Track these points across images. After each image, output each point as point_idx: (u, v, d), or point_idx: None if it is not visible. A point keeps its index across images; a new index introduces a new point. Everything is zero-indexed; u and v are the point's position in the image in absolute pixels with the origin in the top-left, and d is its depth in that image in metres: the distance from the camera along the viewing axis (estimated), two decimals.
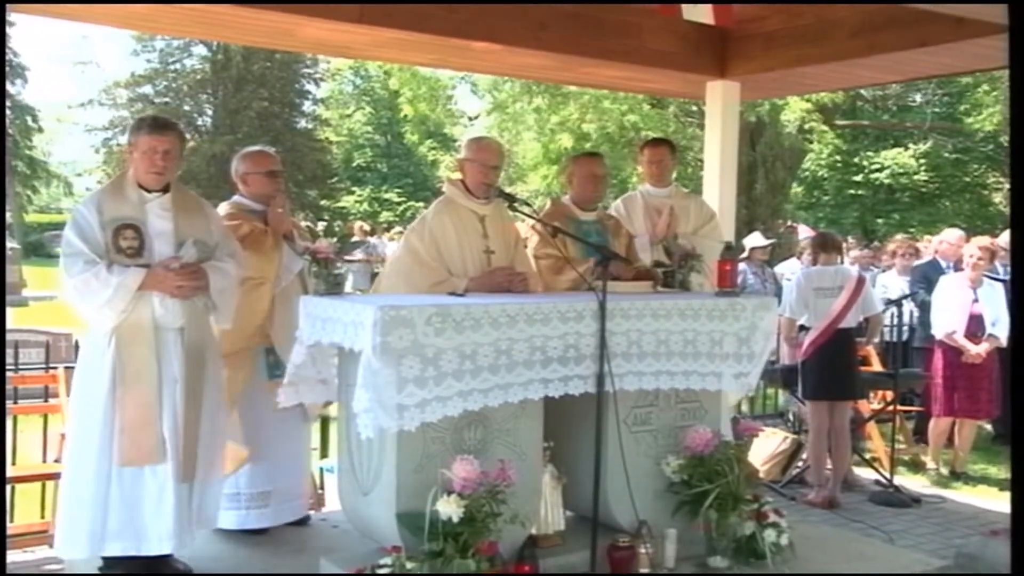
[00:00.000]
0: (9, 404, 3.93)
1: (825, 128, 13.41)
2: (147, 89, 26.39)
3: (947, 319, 5.62)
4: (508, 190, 4.06)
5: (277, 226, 3.54)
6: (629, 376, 3.20)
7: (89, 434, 2.96)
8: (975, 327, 5.56)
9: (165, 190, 3.12)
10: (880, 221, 21.35)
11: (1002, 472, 5.72)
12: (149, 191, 3.08)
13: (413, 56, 5.28)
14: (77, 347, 4.14)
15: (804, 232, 11.82)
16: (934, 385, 5.70)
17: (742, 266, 6.62)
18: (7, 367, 3.89)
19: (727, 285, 3.58)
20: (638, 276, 3.66)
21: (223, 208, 3.61)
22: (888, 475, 5.25)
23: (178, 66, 26.72)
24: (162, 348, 3.01)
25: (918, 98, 19.23)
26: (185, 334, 3.05)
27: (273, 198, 3.60)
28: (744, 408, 6.27)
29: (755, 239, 7.48)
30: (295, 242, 3.59)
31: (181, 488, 3.00)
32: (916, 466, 5.88)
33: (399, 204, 29.99)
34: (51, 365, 4.24)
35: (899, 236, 9.29)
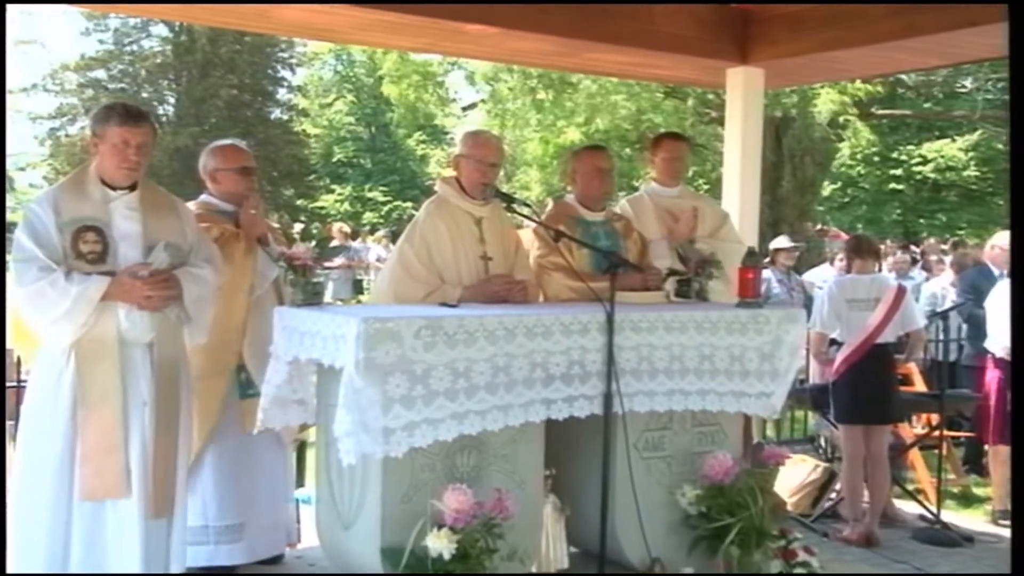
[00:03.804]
0: None
1: (860, 125, 13.44)
2: (100, 73, 26.40)
3: (1007, 331, 5.58)
4: (505, 189, 4.12)
5: (250, 229, 3.58)
6: (640, 396, 3.24)
7: (44, 465, 2.93)
8: None
9: (132, 187, 3.10)
10: (923, 222, 21.42)
11: None
12: (114, 188, 3.07)
13: (401, 40, 5.35)
14: (19, 364, 4.17)
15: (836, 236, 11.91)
16: (986, 408, 5.70)
17: (766, 273, 6.65)
18: None
19: (749, 295, 3.64)
20: (647, 285, 3.70)
21: (189, 208, 3.65)
22: (934, 509, 5.26)
23: (135, 48, 26.75)
24: (128, 366, 2.99)
25: (968, 83, 19.24)
26: (155, 350, 3.04)
27: (246, 198, 3.63)
28: (769, 432, 6.30)
29: (780, 241, 7.51)
30: (270, 247, 3.62)
31: (152, 525, 2.99)
32: (967, 499, 5.87)
33: (384, 204, 30.03)
34: None
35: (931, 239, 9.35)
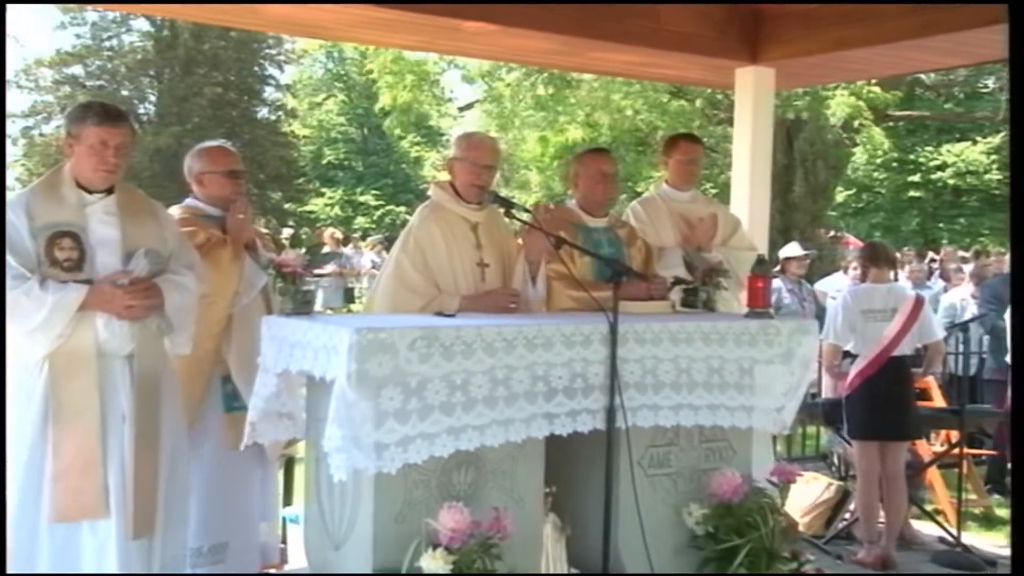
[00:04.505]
0: None
1: (876, 129, 13.51)
2: (76, 70, 26.45)
3: None
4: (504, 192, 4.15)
5: (238, 234, 3.60)
6: (644, 410, 3.26)
7: (13, 483, 2.91)
8: None
9: (109, 191, 3.11)
10: (943, 228, 21.47)
11: None
12: (90, 192, 3.08)
13: (395, 38, 5.40)
14: None
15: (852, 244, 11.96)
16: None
17: (776, 283, 6.67)
18: None
19: (759, 304, 3.67)
20: (652, 294, 3.73)
21: (174, 213, 3.65)
22: (955, 531, 5.28)
23: (114, 43, 26.81)
24: (107, 379, 2.99)
25: (990, 83, 19.32)
26: (135, 362, 3.05)
27: (233, 202, 3.66)
28: (780, 449, 6.31)
29: (790, 249, 7.51)
30: (258, 253, 3.65)
31: (132, 547, 2.98)
32: (989, 521, 5.88)
33: (376, 208, 30.14)
34: None
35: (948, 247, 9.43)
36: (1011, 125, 2.59)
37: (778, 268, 7.24)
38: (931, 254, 13.54)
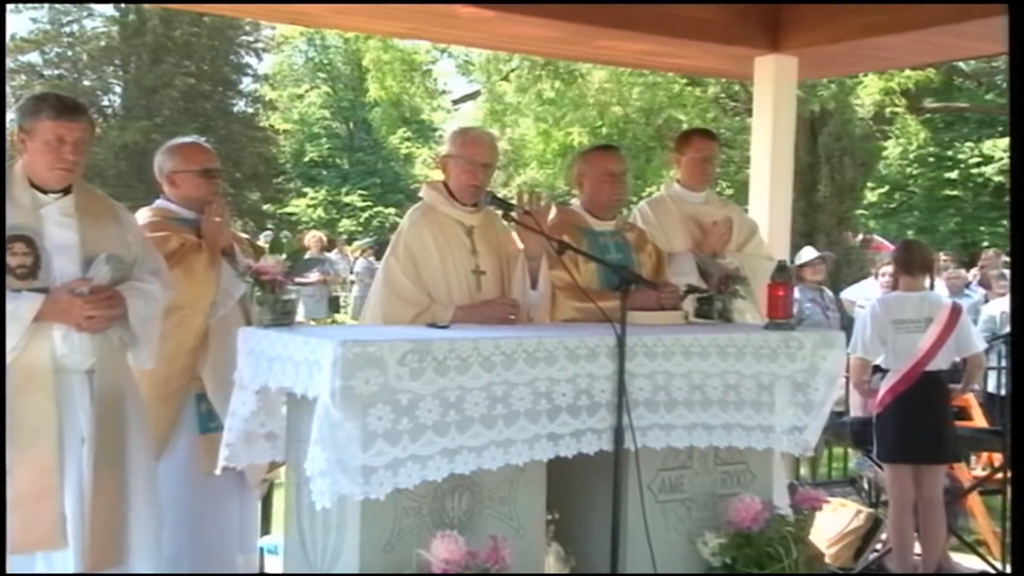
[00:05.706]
0: None
1: (910, 119, 13.54)
2: (33, 57, 26.52)
3: None
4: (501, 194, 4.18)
5: (214, 239, 3.63)
6: (655, 430, 3.27)
7: None
8: None
9: (66, 191, 3.11)
10: (984, 231, 21.47)
11: None
12: (45, 192, 3.08)
13: (384, 24, 5.44)
14: None
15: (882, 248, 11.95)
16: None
17: (796, 292, 6.66)
18: None
19: (780, 315, 3.68)
20: (663, 303, 3.75)
21: (143, 215, 3.68)
22: (999, 564, 5.29)
23: (75, 28, 26.91)
24: (65, 397, 2.99)
25: None
26: (96, 378, 3.05)
27: (209, 203, 3.68)
28: (804, 472, 6.32)
29: (803, 255, 7.47)
30: (236, 259, 3.67)
31: None
32: None
33: (363, 210, 30.18)
34: None
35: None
36: (1011, 125, 2.62)
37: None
38: (975, 262, 13.55)
